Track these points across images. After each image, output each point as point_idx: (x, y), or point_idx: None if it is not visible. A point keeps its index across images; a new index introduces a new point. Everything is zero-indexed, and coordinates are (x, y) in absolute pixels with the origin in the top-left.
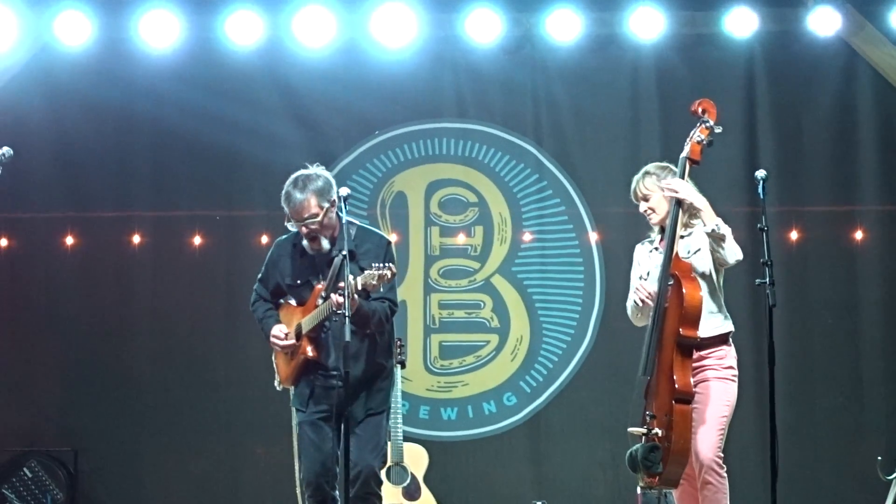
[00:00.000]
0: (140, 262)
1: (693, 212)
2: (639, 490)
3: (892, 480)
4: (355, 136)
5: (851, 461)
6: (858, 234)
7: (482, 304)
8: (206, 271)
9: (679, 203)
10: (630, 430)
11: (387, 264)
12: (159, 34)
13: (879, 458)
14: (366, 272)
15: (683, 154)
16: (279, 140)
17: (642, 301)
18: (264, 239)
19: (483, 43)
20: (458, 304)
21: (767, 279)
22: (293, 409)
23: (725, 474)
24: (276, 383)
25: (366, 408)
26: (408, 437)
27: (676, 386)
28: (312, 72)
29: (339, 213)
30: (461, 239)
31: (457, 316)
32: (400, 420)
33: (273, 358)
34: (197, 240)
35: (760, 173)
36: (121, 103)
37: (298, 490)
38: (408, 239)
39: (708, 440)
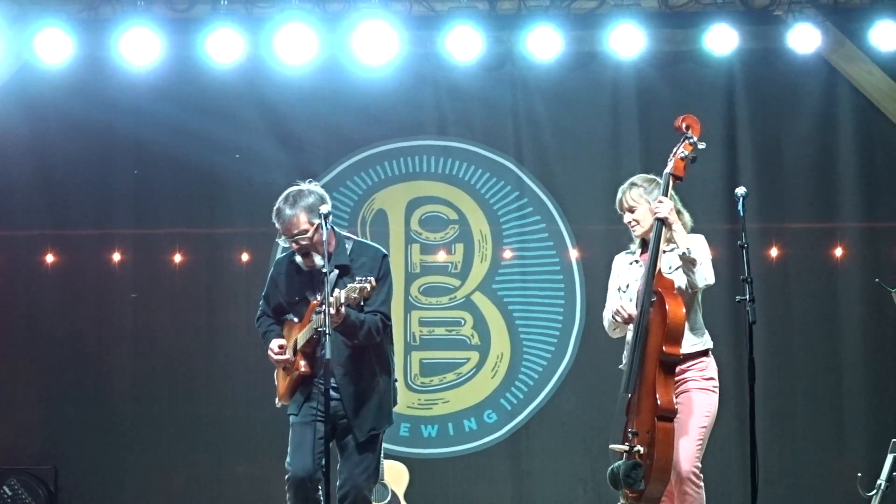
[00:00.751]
0: (120, 280)
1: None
2: None
3: (872, 497)
4: (336, 154)
5: (832, 477)
6: (838, 251)
7: (463, 322)
8: (187, 288)
9: (662, 220)
10: (612, 447)
11: (367, 277)
12: (140, 52)
13: (860, 474)
14: (348, 285)
15: (667, 170)
16: (260, 157)
17: (623, 321)
18: (245, 256)
19: (463, 60)
20: (438, 322)
21: (747, 296)
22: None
23: (702, 485)
24: (276, 401)
25: (367, 428)
26: (388, 455)
27: (659, 403)
28: (293, 89)
29: (335, 229)
30: (441, 256)
31: (437, 333)
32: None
33: (275, 374)
34: (177, 257)
35: (740, 190)
36: (101, 121)
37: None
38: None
39: (687, 451)
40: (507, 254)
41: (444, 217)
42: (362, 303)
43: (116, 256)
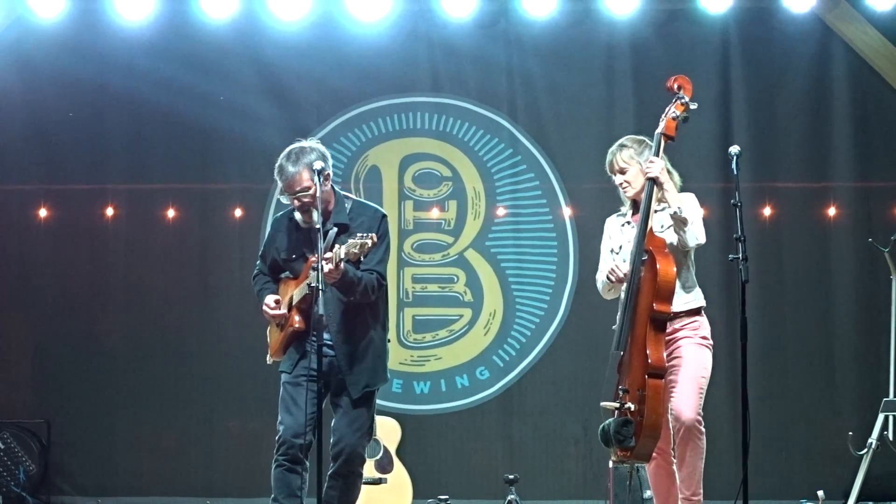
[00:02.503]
0: (114, 235)
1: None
2: (611, 464)
3: (863, 455)
4: (329, 110)
5: (823, 436)
6: (831, 211)
7: (455, 279)
8: (180, 244)
9: (653, 180)
10: (602, 404)
11: (369, 234)
12: (133, 7)
13: (851, 433)
14: (349, 241)
15: (659, 130)
16: (253, 113)
17: (617, 280)
18: (238, 212)
19: (457, 17)
20: (431, 279)
21: (740, 255)
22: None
23: (704, 434)
24: (267, 357)
25: (362, 384)
26: (381, 411)
27: (650, 360)
28: (287, 45)
29: (335, 188)
30: (435, 213)
31: (430, 290)
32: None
33: (268, 331)
34: (171, 213)
35: (734, 149)
36: (94, 76)
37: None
38: None
39: (689, 401)
40: (501, 211)
41: (438, 174)
42: (363, 258)
43: (109, 211)
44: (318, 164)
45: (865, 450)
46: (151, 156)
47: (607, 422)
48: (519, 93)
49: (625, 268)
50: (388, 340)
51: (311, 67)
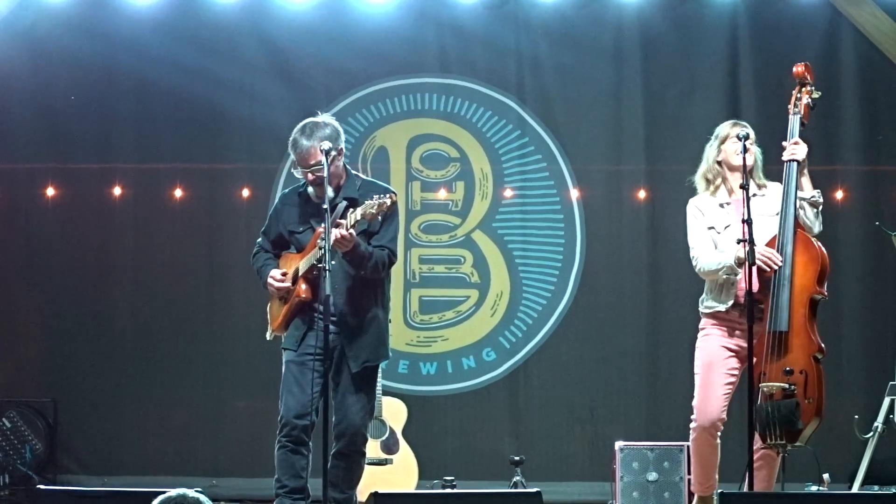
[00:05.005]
0: (121, 214)
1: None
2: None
3: (868, 439)
4: (337, 91)
5: (829, 419)
6: (839, 194)
7: (462, 260)
8: (188, 224)
9: (798, 162)
10: (764, 385)
11: (388, 194)
12: None
13: (857, 416)
14: (366, 202)
15: (798, 115)
16: (261, 94)
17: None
18: (245, 192)
19: None
20: (438, 259)
21: (748, 237)
22: (283, 352)
23: None
24: (267, 333)
25: (362, 359)
26: (387, 392)
27: (816, 344)
28: (295, 26)
29: (347, 167)
30: (442, 194)
31: (437, 271)
32: (379, 374)
33: (268, 307)
34: (178, 192)
35: (743, 132)
36: (103, 56)
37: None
38: None
39: (721, 402)
40: (508, 192)
41: (446, 155)
42: (377, 233)
43: (117, 191)
44: (325, 145)
45: (871, 433)
46: (159, 135)
47: (771, 404)
48: (527, 74)
49: (777, 254)
50: (390, 321)
51: (319, 48)
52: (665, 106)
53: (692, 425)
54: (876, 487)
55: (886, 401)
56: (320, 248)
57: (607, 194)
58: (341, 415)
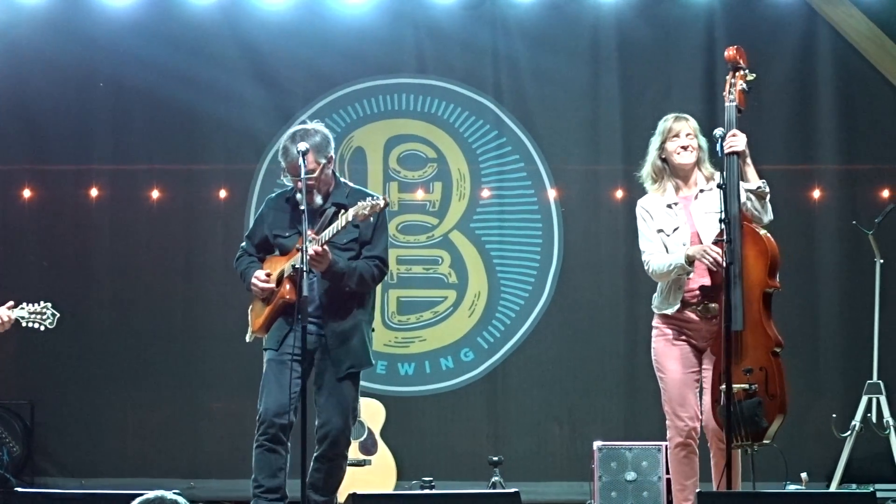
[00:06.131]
0: (98, 215)
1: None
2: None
3: (846, 438)
4: (314, 91)
5: (807, 418)
6: (816, 193)
7: (440, 260)
8: (165, 225)
9: (738, 154)
10: (727, 387)
11: (381, 196)
12: None
13: (834, 415)
14: (358, 203)
15: (733, 103)
16: (238, 94)
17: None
18: (223, 193)
19: None
20: (416, 260)
21: (725, 237)
22: (264, 353)
23: None
24: (247, 335)
25: (346, 365)
26: (365, 392)
27: (773, 338)
28: (272, 26)
29: (335, 174)
30: (420, 195)
31: (415, 272)
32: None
33: (249, 309)
34: (155, 193)
35: (718, 131)
36: (80, 57)
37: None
38: None
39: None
40: (486, 193)
41: (423, 155)
42: (368, 236)
43: (94, 192)
44: (303, 146)
45: (849, 432)
46: (136, 137)
47: (733, 405)
48: (504, 75)
49: (716, 250)
50: (373, 330)
51: (296, 49)
52: (642, 106)
53: (669, 434)
54: (854, 486)
55: (864, 399)
56: (299, 250)
57: (585, 194)
58: (324, 418)
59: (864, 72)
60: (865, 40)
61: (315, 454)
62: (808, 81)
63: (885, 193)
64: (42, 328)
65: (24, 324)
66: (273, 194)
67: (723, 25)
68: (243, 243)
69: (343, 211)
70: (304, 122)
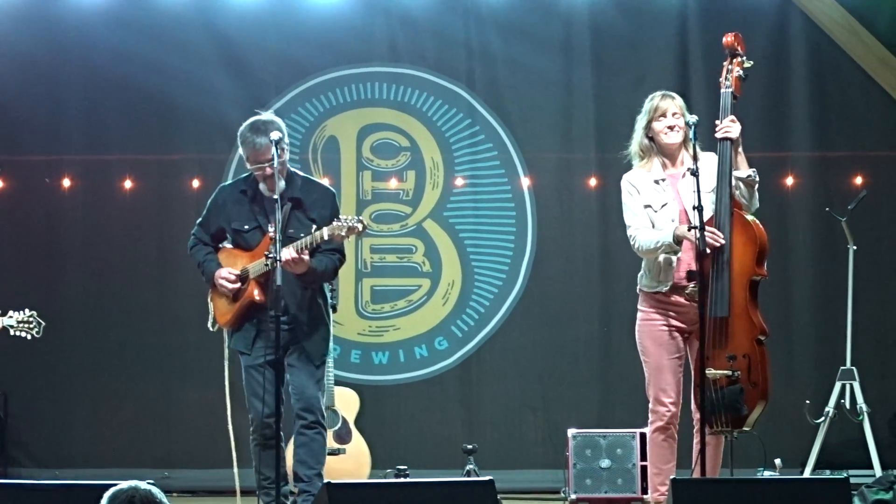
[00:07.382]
0: (71, 206)
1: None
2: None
3: (820, 424)
4: (287, 81)
5: (780, 404)
6: (789, 180)
7: (414, 249)
8: (138, 215)
9: (732, 140)
10: (709, 372)
11: (358, 217)
12: None
13: (808, 401)
14: (335, 223)
15: (729, 89)
16: (210, 84)
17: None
18: (195, 183)
19: None
20: (389, 249)
21: (697, 224)
22: (228, 351)
23: None
24: (209, 324)
25: (319, 354)
26: (339, 382)
27: (758, 326)
28: (244, 16)
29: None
30: (393, 183)
31: (388, 260)
32: (331, 364)
33: (209, 298)
34: (128, 184)
35: (692, 118)
36: (51, 47)
37: (233, 435)
38: (339, 183)
39: None
40: (459, 181)
41: (396, 144)
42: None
43: (66, 182)
44: (275, 135)
45: (822, 418)
46: (108, 127)
47: (715, 391)
48: (477, 63)
49: (719, 233)
50: (334, 323)
51: (268, 38)
52: (615, 94)
53: (651, 418)
54: (828, 472)
55: (837, 386)
56: (271, 255)
57: (558, 182)
58: (297, 393)
59: (837, 59)
60: (838, 27)
61: (297, 428)
62: (782, 69)
63: (858, 180)
64: (29, 337)
65: (12, 332)
66: (227, 183)
67: (696, 14)
68: (195, 230)
69: (301, 207)
70: (257, 114)
